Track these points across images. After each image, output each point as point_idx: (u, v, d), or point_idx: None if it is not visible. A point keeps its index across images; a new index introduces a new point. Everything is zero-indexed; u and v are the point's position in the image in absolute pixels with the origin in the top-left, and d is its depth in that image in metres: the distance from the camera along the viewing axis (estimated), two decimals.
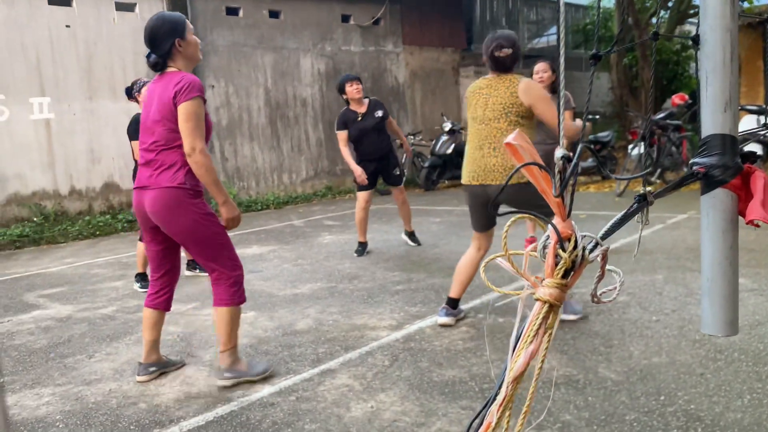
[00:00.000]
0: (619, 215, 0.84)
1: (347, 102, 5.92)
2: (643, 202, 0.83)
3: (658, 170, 9.04)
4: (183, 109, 2.78)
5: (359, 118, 5.82)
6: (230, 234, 3.11)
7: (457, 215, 8.25)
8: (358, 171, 5.78)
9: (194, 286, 5.26)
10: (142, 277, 5.29)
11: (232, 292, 3.02)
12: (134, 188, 3.07)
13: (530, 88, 3.53)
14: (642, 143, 8.80)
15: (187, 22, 2.96)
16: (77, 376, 3.40)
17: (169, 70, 2.93)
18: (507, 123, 3.54)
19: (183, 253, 5.77)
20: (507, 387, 0.62)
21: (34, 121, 8.77)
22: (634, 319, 3.69)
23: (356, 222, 6.11)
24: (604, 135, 11.04)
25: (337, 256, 6.18)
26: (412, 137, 11.90)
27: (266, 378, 3.14)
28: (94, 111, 9.27)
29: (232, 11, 10.56)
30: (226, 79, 10.50)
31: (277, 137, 11.22)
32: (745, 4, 11.18)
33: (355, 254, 6.11)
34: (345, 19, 12.09)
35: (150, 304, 3.20)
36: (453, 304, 3.85)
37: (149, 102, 2.97)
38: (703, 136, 0.93)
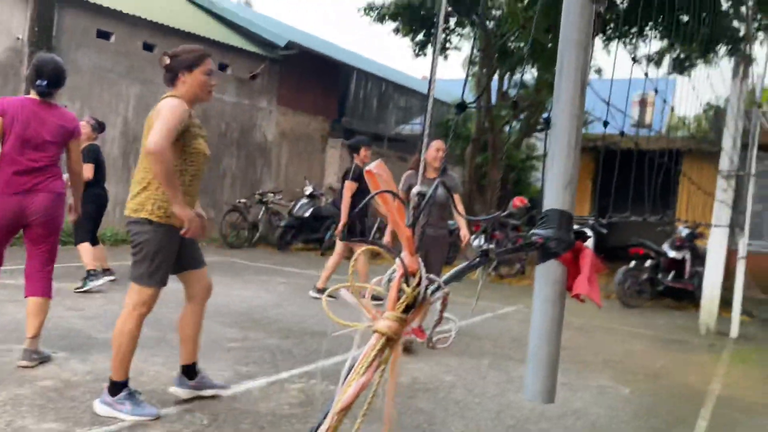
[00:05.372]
0: (461, 265, 0.88)
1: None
2: (485, 257, 0.88)
3: (494, 263, 9.72)
4: (77, 143, 3.80)
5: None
6: (17, 266, 3.75)
7: (304, 278, 8.17)
8: (343, 222, 6.70)
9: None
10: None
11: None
12: (12, 193, 3.49)
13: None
14: (483, 235, 9.49)
15: None
16: None
17: (51, 101, 3.67)
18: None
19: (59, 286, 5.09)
20: (332, 417, 0.60)
21: None
22: (458, 399, 3.81)
23: (327, 267, 6.65)
24: (451, 223, 11.72)
25: (171, 303, 5.79)
26: (272, 195, 11.84)
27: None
28: None
29: (103, 34, 10.04)
30: (83, 102, 9.81)
31: (127, 170, 10.56)
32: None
33: (318, 295, 6.67)
34: (222, 67, 11.98)
35: None
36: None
37: (27, 120, 3.52)
38: (543, 210, 1.01)
